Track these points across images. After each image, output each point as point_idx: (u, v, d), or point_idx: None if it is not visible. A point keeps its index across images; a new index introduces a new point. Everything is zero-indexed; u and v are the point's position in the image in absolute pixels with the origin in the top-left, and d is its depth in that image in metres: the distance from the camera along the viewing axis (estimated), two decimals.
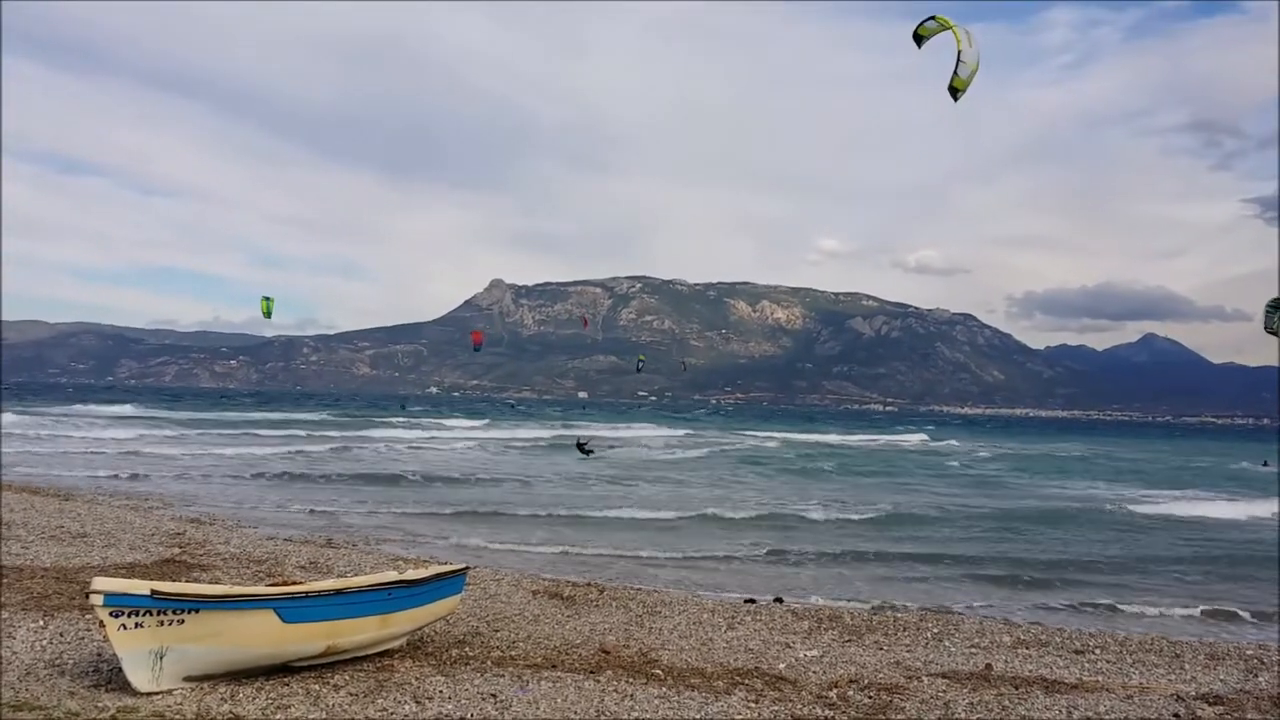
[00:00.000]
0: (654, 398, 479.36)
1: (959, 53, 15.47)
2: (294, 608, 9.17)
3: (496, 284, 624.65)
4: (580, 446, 57.43)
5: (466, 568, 11.64)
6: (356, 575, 14.02)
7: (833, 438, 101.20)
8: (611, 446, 66.15)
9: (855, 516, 30.26)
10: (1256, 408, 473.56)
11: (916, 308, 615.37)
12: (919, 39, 16.36)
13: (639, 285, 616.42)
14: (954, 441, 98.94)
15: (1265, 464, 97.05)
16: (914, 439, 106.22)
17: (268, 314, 40.26)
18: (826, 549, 23.30)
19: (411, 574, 10.71)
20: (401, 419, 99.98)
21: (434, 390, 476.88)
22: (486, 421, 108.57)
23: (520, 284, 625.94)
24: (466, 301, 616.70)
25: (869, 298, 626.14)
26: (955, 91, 16.23)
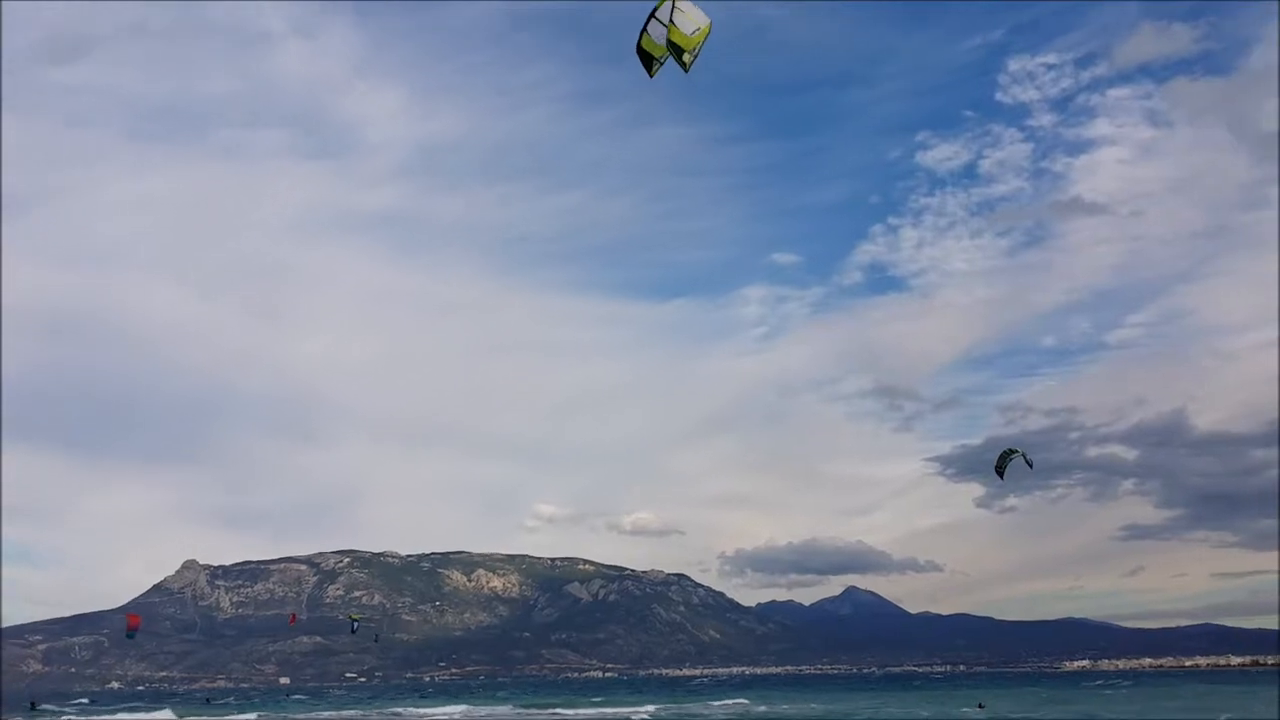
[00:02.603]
0: (363, 679, 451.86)
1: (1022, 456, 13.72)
2: None
3: (190, 565, 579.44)
4: None
5: None
6: None
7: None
8: None
9: None
10: (952, 654, 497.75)
11: (633, 570, 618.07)
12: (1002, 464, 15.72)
13: (347, 559, 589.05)
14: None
15: (980, 706, 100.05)
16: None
17: None
18: None
19: None
20: None
21: (116, 686, 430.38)
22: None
23: (217, 564, 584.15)
24: (156, 585, 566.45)
25: (586, 561, 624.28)
26: (680, 52, 13.73)
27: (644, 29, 14.62)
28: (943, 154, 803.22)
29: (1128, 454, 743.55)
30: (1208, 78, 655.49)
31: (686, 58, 14.63)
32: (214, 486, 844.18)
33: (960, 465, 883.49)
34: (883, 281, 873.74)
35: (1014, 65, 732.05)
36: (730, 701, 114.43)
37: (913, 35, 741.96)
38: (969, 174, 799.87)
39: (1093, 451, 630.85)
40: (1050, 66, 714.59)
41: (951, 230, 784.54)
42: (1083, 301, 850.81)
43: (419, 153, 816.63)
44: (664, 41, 14.65)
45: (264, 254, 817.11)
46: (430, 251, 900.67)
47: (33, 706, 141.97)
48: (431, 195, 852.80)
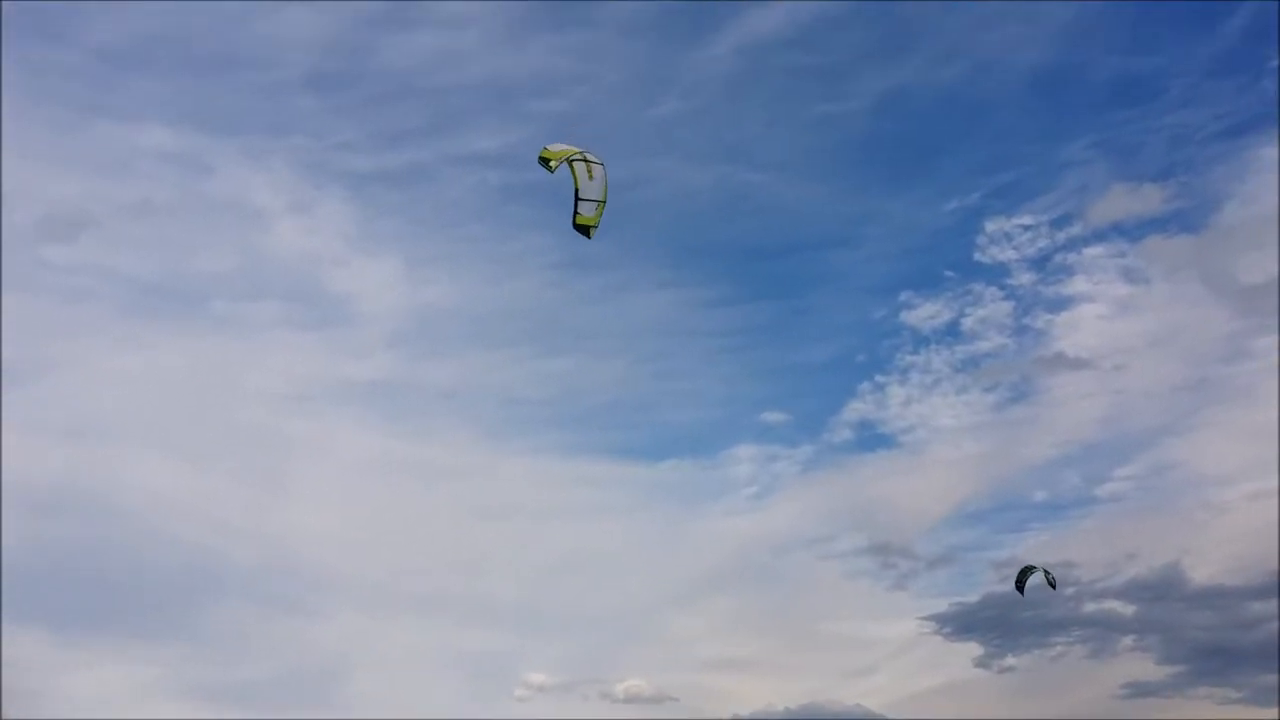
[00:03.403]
0: None
1: (576, 190, 16.13)
2: None
3: None
4: None
5: None
6: None
7: None
8: None
9: None
10: None
11: None
12: (544, 162, 16.74)
13: None
14: None
15: None
16: None
17: None
18: None
19: None
20: None
21: None
22: None
23: None
24: None
25: None
26: (586, 229, 16.75)
27: (575, 209, 17.99)
28: (926, 313, 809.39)
29: (1125, 609, 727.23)
30: (1181, 235, 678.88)
31: (592, 233, 18.17)
32: (199, 661, 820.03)
33: (957, 624, 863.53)
34: (872, 439, 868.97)
35: (991, 226, 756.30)
36: None
37: (893, 199, 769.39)
38: (952, 332, 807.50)
39: (1090, 607, 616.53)
40: (1026, 227, 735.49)
41: (938, 387, 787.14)
42: (1071, 455, 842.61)
43: (411, 322, 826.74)
44: (590, 213, 18.00)
45: (256, 425, 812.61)
46: (422, 418, 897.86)
47: None
48: (424, 363, 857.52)
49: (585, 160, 17.71)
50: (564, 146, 17.75)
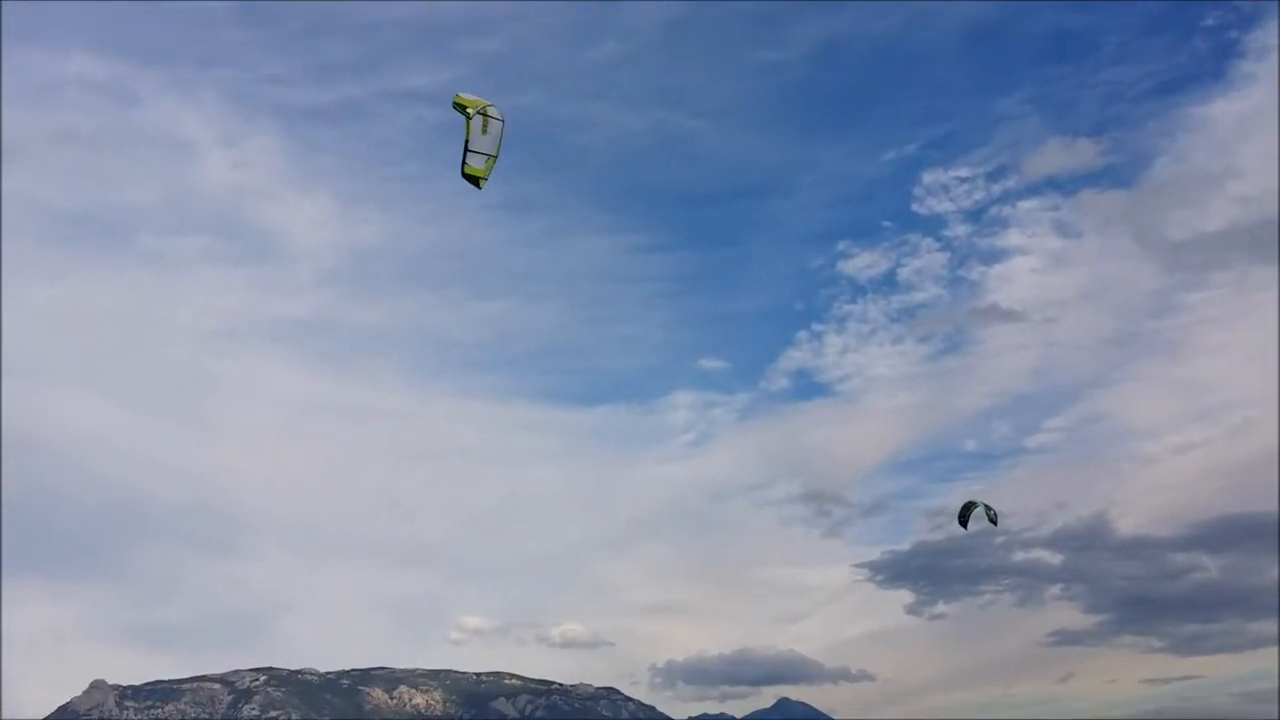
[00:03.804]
0: None
1: (466, 141, 17.09)
2: None
3: (98, 685, 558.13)
4: None
5: None
6: None
7: None
8: None
9: None
10: None
11: (560, 684, 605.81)
12: (460, 108, 17.71)
13: (264, 678, 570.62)
14: None
15: None
16: None
17: None
18: None
19: None
20: None
21: None
22: None
23: (126, 684, 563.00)
24: (61, 707, 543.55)
25: (513, 676, 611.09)
26: (475, 180, 18.05)
27: (464, 159, 18.50)
28: (863, 262, 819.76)
29: (1053, 558, 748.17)
30: (1113, 189, 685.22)
31: (482, 184, 19.20)
32: (125, 602, 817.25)
33: (889, 571, 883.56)
34: (809, 387, 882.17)
35: (929, 178, 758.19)
36: None
37: (831, 148, 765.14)
38: (889, 282, 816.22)
39: (1019, 556, 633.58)
40: (963, 179, 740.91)
41: (874, 337, 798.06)
42: (1002, 406, 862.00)
43: (343, 260, 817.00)
44: (479, 165, 18.76)
45: (183, 362, 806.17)
46: (353, 359, 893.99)
47: None
48: (355, 303, 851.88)
49: (484, 115, 18.63)
50: (475, 98, 18.69)
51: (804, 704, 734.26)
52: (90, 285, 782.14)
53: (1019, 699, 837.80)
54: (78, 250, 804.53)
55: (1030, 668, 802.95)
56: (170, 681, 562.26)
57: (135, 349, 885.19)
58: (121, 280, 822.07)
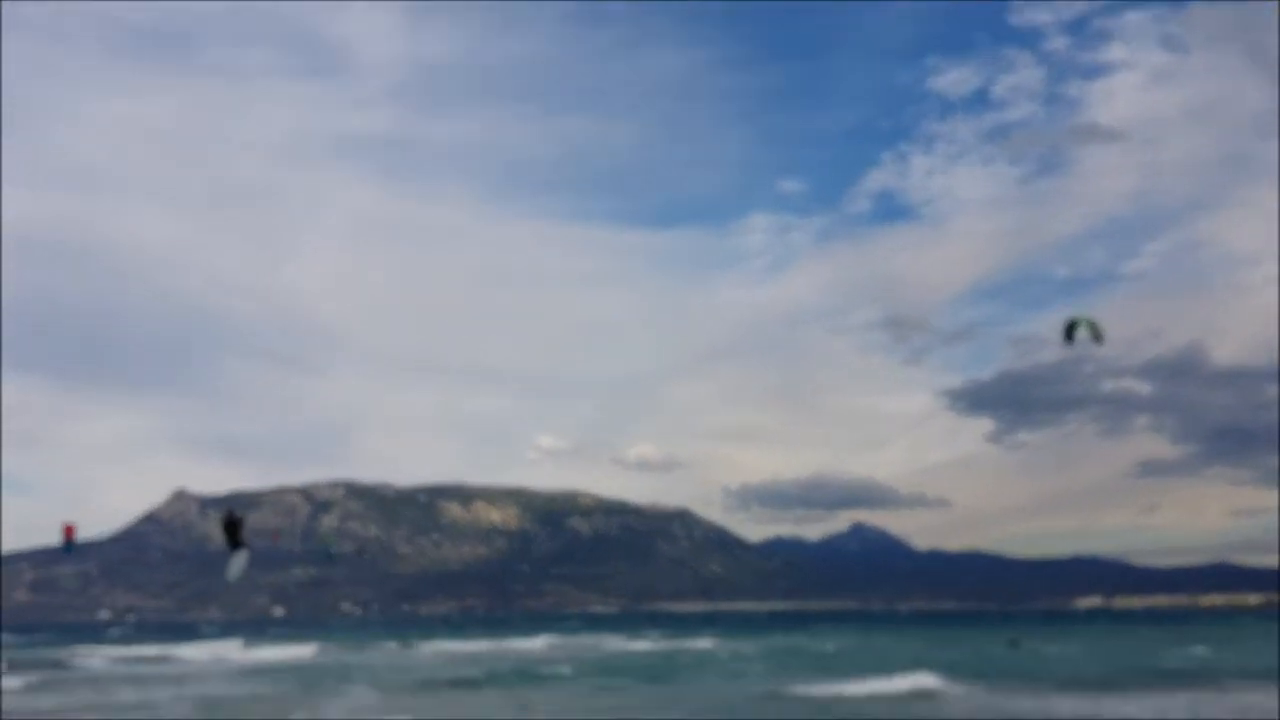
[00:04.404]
0: (360, 610, 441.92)
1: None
2: None
3: (180, 494, 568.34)
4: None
5: None
6: None
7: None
8: None
9: None
10: (960, 592, 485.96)
11: (635, 504, 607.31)
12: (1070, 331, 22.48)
13: (342, 490, 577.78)
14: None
15: (1012, 642, 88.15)
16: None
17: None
18: None
19: None
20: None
21: (105, 615, 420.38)
22: None
23: (208, 493, 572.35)
24: (146, 515, 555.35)
25: (586, 495, 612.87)
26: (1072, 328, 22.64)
27: None
28: (954, 79, 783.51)
29: (1143, 388, 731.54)
30: (1225, 1, 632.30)
31: None
32: (203, 414, 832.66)
33: (971, 399, 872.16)
34: (892, 210, 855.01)
35: None
36: (750, 640, 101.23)
37: None
38: (981, 99, 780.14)
39: (1107, 385, 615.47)
40: None
41: (963, 157, 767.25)
42: (1097, 230, 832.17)
43: (413, 73, 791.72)
44: None
45: (252, 178, 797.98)
46: (425, 176, 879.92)
47: None
48: (426, 118, 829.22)
49: None
50: None
51: (879, 529, 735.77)
52: (157, 99, 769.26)
53: (1102, 529, 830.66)
54: (144, 63, 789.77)
55: (1114, 498, 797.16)
56: (251, 492, 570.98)
57: (203, 164, 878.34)
58: (187, 93, 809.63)
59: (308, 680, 53.26)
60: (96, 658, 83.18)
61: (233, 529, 16.04)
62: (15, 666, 67.74)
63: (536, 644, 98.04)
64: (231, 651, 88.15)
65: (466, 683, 49.03)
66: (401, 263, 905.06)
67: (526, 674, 55.61)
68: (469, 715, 33.87)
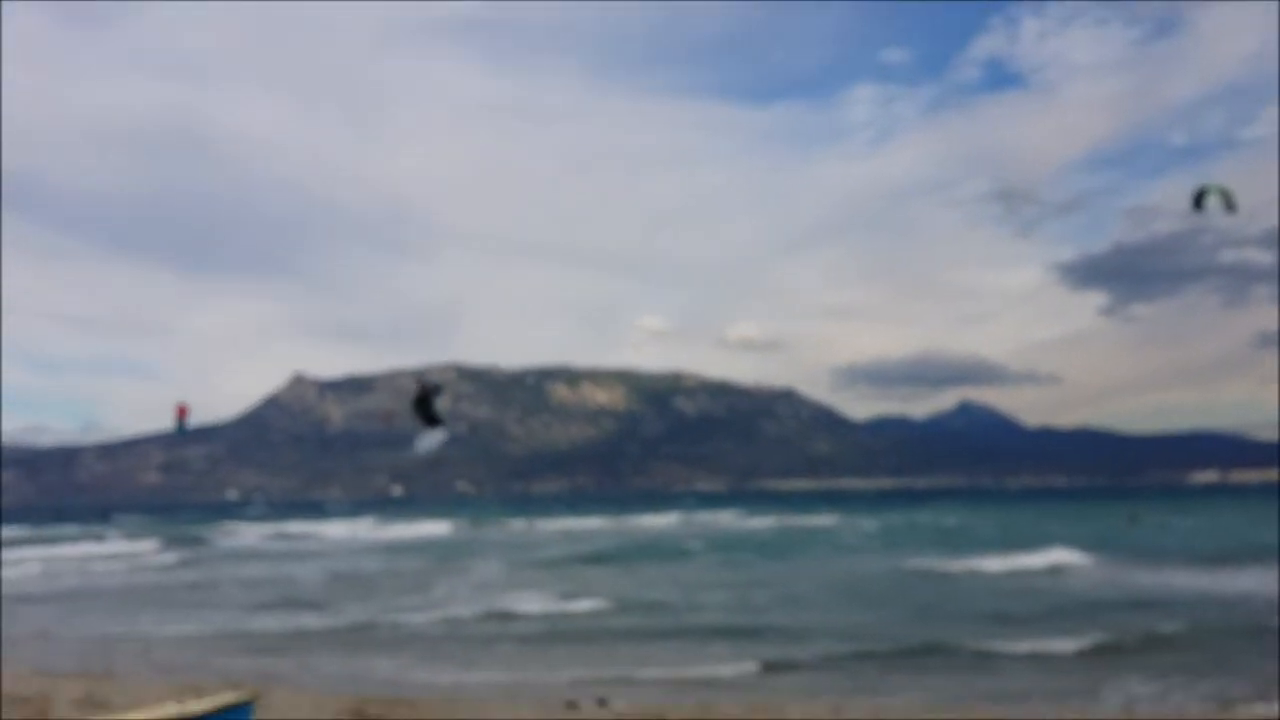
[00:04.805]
0: (474, 489, 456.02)
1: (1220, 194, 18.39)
2: None
3: (299, 378, 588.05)
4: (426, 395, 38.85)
5: (255, 694, 10.17)
6: (133, 710, 10.63)
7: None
8: None
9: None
10: (1071, 469, 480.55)
11: (740, 384, 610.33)
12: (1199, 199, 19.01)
13: (453, 373, 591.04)
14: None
15: (1131, 519, 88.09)
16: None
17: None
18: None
19: (193, 705, 9.33)
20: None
21: (233, 494, 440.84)
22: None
23: (324, 377, 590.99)
24: (267, 398, 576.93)
25: (691, 376, 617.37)
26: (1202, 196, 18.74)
27: None
28: None
29: (1263, 258, 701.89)
30: None
31: None
32: (317, 300, 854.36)
33: (1083, 272, 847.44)
34: (1001, 78, 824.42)
35: None
36: (869, 516, 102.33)
37: None
38: None
39: (1227, 256, 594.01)
40: None
41: (1076, 20, 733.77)
42: (1216, 95, 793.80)
43: None
44: None
45: (356, 63, 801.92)
46: (524, 58, 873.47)
47: (105, 517, 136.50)
48: None
49: None
50: None
51: (987, 406, 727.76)
52: None
53: (1218, 403, 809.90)
54: None
55: (1232, 371, 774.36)
56: (366, 375, 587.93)
57: (306, 51, 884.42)
58: None
59: (447, 555, 55.95)
60: (245, 534, 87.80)
61: (425, 402, 16.80)
62: (171, 543, 72.12)
63: (663, 521, 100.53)
64: (367, 529, 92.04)
65: (602, 557, 51.00)
66: (504, 145, 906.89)
67: (659, 549, 57.49)
68: (615, 587, 35.71)
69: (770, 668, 19.23)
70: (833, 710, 14.99)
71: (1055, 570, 37.48)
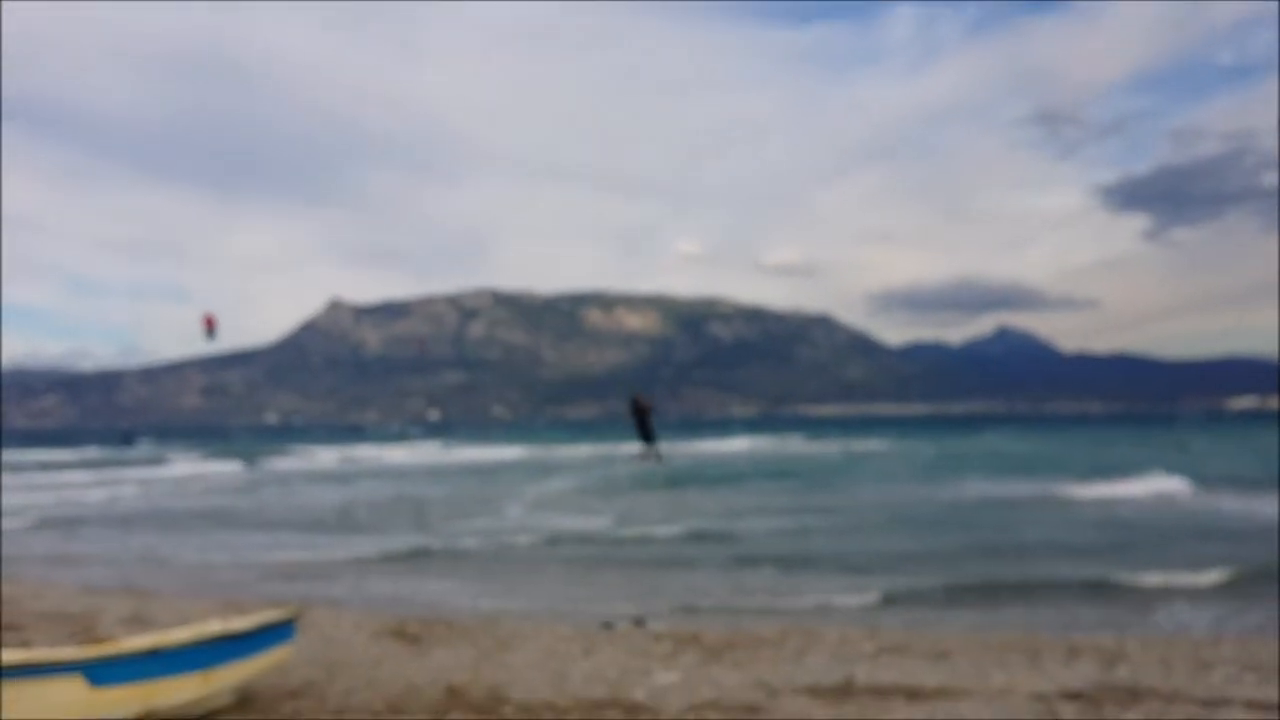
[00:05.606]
0: (509, 413, 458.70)
1: None
2: (104, 670, 8.08)
3: (335, 304, 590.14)
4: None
5: (297, 613, 10.31)
6: (178, 628, 11.07)
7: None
8: None
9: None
10: (1108, 395, 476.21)
11: (774, 309, 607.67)
12: None
13: (488, 298, 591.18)
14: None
15: (1179, 448, 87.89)
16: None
17: None
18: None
19: (236, 623, 9.52)
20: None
21: (273, 418, 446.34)
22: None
23: (361, 303, 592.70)
24: (304, 324, 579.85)
25: (726, 301, 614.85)
26: None
27: None
28: None
29: None
30: None
31: None
32: (352, 226, 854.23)
33: (1125, 195, 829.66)
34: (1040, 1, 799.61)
35: None
36: (921, 441, 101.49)
37: None
38: None
39: (1270, 179, 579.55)
40: None
41: None
42: (1263, 13, 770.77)
43: None
44: None
45: None
46: None
47: (128, 441, 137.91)
48: None
49: None
50: None
51: (1024, 331, 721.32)
52: None
53: (1259, 328, 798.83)
54: None
55: (1271, 295, 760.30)
56: (401, 301, 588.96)
57: None
58: None
59: (521, 476, 55.87)
60: (317, 456, 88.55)
61: (641, 419, 16.19)
62: (242, 465, 72.40)
63: (722, 446, 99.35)
64: (435, 453, 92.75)
65: (670, 480, 50.19)
66: (537, 69, 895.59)
67: (723, 474, 57.01)
68: (692, 510, 34.76)
69: (889, 600, 18.07)
70: (979, 643, 13.67)
71: (1162, 499, 35.88)
